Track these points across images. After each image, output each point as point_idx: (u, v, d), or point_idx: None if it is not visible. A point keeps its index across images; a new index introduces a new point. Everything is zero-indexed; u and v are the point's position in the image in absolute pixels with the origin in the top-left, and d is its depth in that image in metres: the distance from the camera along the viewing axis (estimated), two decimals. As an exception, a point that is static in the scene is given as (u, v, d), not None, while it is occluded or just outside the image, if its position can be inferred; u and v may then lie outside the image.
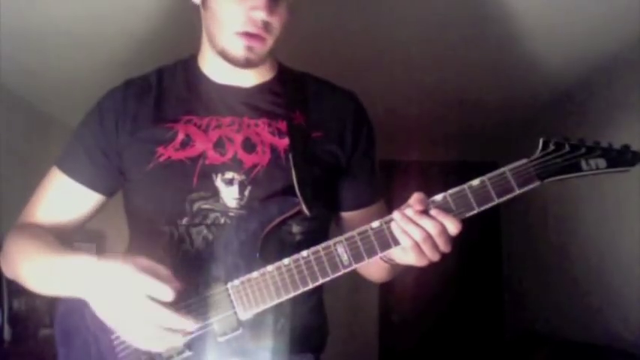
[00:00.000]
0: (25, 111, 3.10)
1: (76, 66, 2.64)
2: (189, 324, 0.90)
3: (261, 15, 0.98)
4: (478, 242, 4.06)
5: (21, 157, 2.96)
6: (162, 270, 0.91)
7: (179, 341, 0.91)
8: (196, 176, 1.02)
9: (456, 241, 0.94)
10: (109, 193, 1.13)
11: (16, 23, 2.18)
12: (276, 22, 1.02)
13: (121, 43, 2.41)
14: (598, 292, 2.88)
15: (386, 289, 4.12)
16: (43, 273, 1.00)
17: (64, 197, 1.11)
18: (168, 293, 0.88)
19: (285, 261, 0.95)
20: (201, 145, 1.04)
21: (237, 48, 1.02)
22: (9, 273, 1.09)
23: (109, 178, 1.10)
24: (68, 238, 1.12)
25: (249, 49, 1.01)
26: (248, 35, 1.01)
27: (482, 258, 4.20)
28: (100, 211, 1.15)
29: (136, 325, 0.88)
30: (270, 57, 1.13)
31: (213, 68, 1.11)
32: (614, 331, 2.70)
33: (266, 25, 1.01)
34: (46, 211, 1.11)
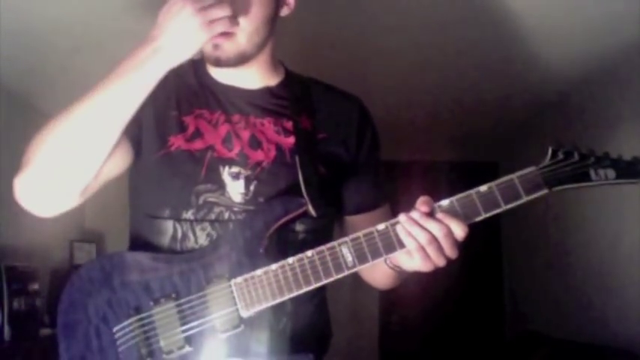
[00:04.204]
0: (25, 111, 3.11)
1: (76, 66, 2.64)
2: None
3: None
4: (478, 242, 4.05)
5: (21, 157, 2.95)
6: None
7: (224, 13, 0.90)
8: (205, 167, 1.03)
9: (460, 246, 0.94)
10: (133, 141, 1.04)
11: (16, 23, 2.18)
12: (240, 14, 0.99)
13: (121, 44, 2.41)
14: (598, 292, 2.89)
15: (386, 289, 4.12)
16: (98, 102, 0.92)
17: None
18: None
19: (290, 260, 0.96)
20: (211, 138, 1.05)
21: (206, 48, 1.01)
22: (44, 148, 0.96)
23: (136, 126, 1.03)
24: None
25: (216, 47, 1.01)
26: None
27: (483, 258, 4.20)
28: (122, 169, 1.06)
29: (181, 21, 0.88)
30: (272, 59, 1.13)
31: (217, 70, 1.12)
32: (614, 331, 2.70)
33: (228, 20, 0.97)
34: None
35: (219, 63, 1.03)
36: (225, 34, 0.99)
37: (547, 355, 2.95)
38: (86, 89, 0.94)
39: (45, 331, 2.89)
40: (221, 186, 1.02)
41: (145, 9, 2.13)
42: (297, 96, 1.12)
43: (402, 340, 4.24)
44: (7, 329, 2.60)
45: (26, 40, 2.34)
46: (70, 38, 2.34)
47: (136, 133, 1.04)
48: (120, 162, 1.04)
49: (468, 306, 4.22)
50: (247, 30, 1.01)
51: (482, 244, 4.12)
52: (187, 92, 1.10)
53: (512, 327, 4.07)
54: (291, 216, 1.00)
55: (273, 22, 1.07)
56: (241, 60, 1.04)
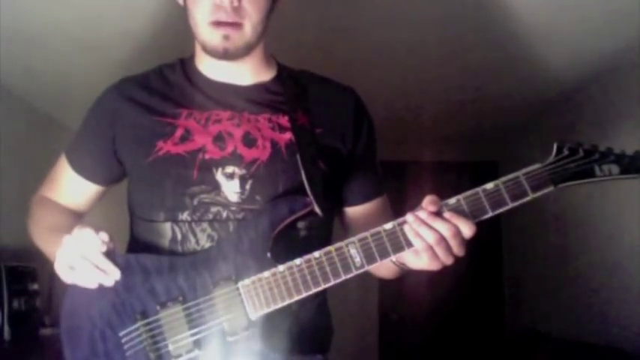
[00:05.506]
0: (25, 111, 3.10)
1: (76, 66, 2.64)
2: (114, 270, 0.96)
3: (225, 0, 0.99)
4: (478, 241, 4.05)
5: (21, 157, 2.95)
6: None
7: (104, 280, 0.96)
8: (196, 169, 1.02)
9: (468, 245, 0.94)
10: (105, 183, 1.18)
11: (16, 24, 2.18)
12: (248, 5, 1.01)
13: (121, 44, 2.41)
14: (598, 292, 2.89)
15: (386, 287, 4.12)
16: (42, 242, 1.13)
17: (66, 184, 1.19)
18: (104, 240, 0.95)
19: (297, 261, 0.95)
20: (201, 139, 1.04)
21: (214, 39, 1.02)
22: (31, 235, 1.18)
23: (105, 169, 1.14)
24: (78, 214, 1.20)
25: (226, 37, 1.01)
26: (221, 24, 1.01)
27: (483, 256, 4.19)
28: (99, 199, 1.21)
29: (69, 253, 0.94)
30: (265, 54, 1.13)
31: (209, 67, 1.11)
32: (614, 331, 2.70)
33: (237, 10, 1.00)
34: (54, 192, 1.20)
35: (227, 54, 1.04)
36: (235, 26, 1.01)
37: (547, 354, 2.95)
38: (86, 89, 0.94)
39: (45, 331, 2.88)
40: (216, 186, 1.02)
41: (143, 10, 2.13)
42: (292, 91, 1.12)
43: (402, 337, 4.24)
44: (7, 329, 2.59)
45: (26, 40, 2.33)
46: (70, 38, 2.34)
47: (100, 172, 1.15)
48: (91, 199, 1.20)
49: (469, 303, 4.21)
50: (254, 21, 1.03)
51: (482, 242, 4.10)
52: (175, 94, 1.10)
53: (512, 325, 4.07)
54: (297, 216, 0.99)
55: (271, 15, 1.08)
56: (247, 51, 1.06)
